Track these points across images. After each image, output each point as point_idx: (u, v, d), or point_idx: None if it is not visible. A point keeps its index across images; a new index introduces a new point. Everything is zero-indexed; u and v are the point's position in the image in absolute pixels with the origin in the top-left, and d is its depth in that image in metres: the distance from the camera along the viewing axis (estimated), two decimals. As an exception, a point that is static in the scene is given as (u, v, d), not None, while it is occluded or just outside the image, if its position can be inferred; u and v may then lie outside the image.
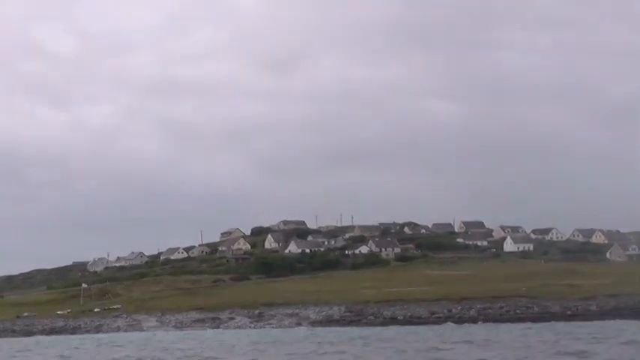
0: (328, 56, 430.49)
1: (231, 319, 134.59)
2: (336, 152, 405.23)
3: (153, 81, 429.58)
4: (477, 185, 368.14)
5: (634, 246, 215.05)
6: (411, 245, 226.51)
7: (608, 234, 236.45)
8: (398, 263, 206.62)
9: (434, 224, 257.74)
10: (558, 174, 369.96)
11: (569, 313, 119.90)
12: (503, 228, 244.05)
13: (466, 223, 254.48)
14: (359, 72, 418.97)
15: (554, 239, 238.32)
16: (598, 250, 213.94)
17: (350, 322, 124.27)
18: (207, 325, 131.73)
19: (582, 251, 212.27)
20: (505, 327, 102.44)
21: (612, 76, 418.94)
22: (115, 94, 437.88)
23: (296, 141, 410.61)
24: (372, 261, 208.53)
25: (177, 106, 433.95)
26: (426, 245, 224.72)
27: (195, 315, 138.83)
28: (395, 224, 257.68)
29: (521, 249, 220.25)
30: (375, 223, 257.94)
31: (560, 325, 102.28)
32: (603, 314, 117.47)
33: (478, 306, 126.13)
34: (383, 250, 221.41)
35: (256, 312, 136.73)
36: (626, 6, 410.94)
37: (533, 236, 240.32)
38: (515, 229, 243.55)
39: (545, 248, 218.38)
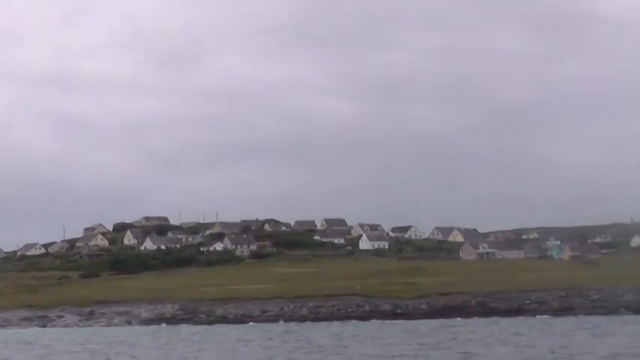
0: (222, 53, 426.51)
1: (60, 317, 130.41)
2: (227, 149, 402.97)
3: (44, 74, 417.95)
4: (353, 183, 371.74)
5: (485, 244, 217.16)
6: (268, 243, 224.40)
7: (465, 232, 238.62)
8: (252, 260, 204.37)
9: (296, 222, 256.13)
10: (440, 173, 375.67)
11: (399, 311, 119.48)
12: (361, 226, 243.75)
13: (328, 221, 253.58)
14: (252, 69, 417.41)
15: (413, 237, 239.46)
16: (452, 249, 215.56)
17: (181, 321, 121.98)
18: (34, 323, 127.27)
19: (437, 249, 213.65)
20: (324, 325, 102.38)
21: (500, 79, 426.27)
22: (5, 87, 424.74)
23: (187, 137, 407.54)
24: (226, 258, 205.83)
25: (68, 99, 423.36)
26: (283, 243, 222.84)
27: (23, 313, 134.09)
28: (257, 221, 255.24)
29: (376, 247, 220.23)
30: (238, 220, 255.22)
31: (386, 324, 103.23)
32: (432, 313, 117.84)
33: (311, 304, 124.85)
34: (238, 247, 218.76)
35: (87, 310, 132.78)
36: (516, 9, 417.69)
37: (392, 234, 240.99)
38: (373, 227, 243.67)
39: (400, 246, 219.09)
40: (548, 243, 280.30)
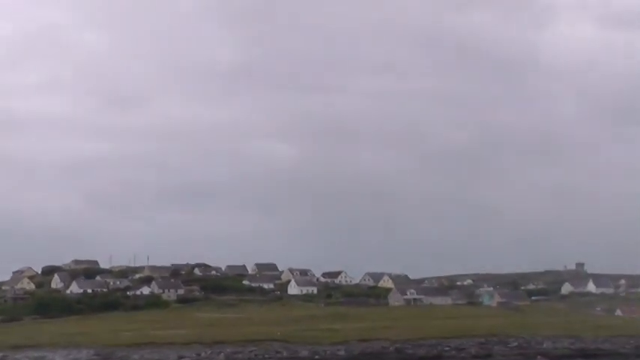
0: (163, 95, 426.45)
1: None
2: (166, 191, 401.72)
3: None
4: (288, 227, 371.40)
5: (412, 290, 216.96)
6: (196, 287, 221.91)
7: (396, 278, 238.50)
8: (178, 305, 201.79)
9: (227, 266, 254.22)
10: (377, 218, 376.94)
11: (316, 357, 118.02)
12: (291, 271, 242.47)
13: (259, 266, 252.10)
14: (192, 111, 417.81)
15: (343, 283, 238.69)
16: (381, 295, 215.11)
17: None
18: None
19: (366, 295, 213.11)
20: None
21: (440, 123, 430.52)
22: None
23: (126, 178, 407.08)
24: (153, 302, 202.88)
25: (6, 137, 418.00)
26: (211, 287, 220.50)
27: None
28: (187, 265, 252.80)
29: (304, 292, 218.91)
30: (168, 264, 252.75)
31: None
32: (350, 359, 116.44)
33: (228, 350, 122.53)
34: (165, 291, 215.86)
35: (0, 355, 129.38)
36: (457, 55, 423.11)
37: (322, 279, 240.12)
38: (303, 272, 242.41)
39: (329, 292, 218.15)
40: (480, 290, 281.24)
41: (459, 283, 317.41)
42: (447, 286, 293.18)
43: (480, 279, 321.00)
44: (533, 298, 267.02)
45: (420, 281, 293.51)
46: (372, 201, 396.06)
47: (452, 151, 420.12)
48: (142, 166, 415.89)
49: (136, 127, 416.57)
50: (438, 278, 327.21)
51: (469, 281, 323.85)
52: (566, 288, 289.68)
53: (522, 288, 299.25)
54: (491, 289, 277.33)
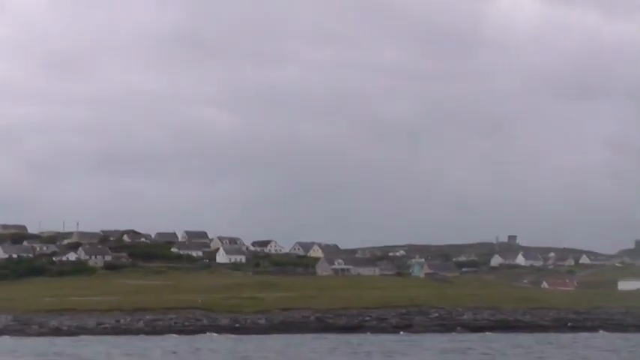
0: (109, 61, 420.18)
1: None
2: (106, 158, 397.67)
3: None
4: (225, 196, 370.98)
5: (340, 260, 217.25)
6: (124, 254, 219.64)
7: (326, 248, 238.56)
8: (105, 272, 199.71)
9: (157, 233, 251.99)
10: (316, 189, 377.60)
11: (237, 325, 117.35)
12: (221, 239, 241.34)
13: (189, 233, 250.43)
14: (138, 78, 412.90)
15: (273, 252, 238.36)
16: (310, 264, 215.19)
17: (12, 332, 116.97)
18: None
19: (294, 265, 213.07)
20: (157, 339, 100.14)
21: (384, 95, 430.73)
22: None
23: (67, 144, 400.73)
24: (79, 269, 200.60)
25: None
26: (139, 254, 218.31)
27: None
28: (117, 232, 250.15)
29: (233, 260, 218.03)
30: (98, 231, 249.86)
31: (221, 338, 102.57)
32: (269, 328, 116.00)
33: (148, 317, 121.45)
34: (92, 257, 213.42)
35: None
36: (404, 28, 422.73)
37: (252, 248, 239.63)
38: (233, 241, 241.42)
39: (258, 260, 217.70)
40: (412, 261, 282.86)
41: (391, 254, 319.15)
42: (378, 256, 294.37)
43: (413, 250, 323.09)
44: (463, 269, 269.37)
45: (353, 251, 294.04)
46: (307, 171, 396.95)
47: (390, 121, 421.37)
48: (75, 132, 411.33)
49: (68, 92, 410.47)
50: (371, 249, 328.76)
51: (401, 252, 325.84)
52: (496, 260, 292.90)
53: (454, 260, 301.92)
54: (422, 260, 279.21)
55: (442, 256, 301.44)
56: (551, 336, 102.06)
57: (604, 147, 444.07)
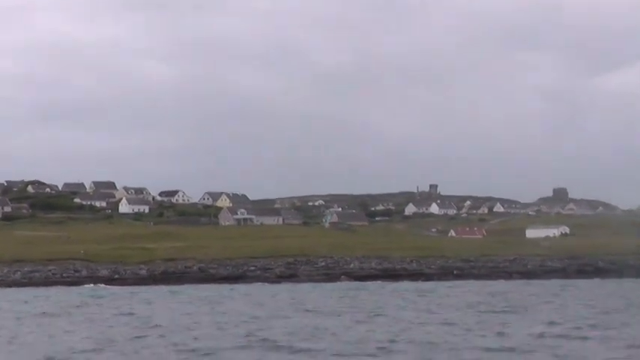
0: (46, 11, 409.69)
1: None
2: (45, 108, 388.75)
3: None
4: (149, 147, 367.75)
5: (243, 210, 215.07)
6: (25, 205, 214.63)
7: (234, 198, 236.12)
8: (2, 223, 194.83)
9: (64, 184, 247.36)
10: (245, 138, 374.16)
11: (116, 277, 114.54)
12: (126, 189, 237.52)
13: (96, 184, 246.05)
14: (76, 28, 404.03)
15: (180, 202, 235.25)
16: (214, 214, 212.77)
17: None
18: None
19: (200, 214, 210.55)
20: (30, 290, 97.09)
21: (323, 45, 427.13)
22: None
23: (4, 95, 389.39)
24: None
25: None
26: (41, 205, 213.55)
27: None
28: (21, 182, 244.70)
29: (136, 210, 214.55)
30: (2, 181, 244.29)
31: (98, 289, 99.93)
32: (150, 279, 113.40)
33: (26, 269, 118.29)
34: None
35: None
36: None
37: (159, 198, 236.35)
38: (139, 191, 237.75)
39: (162, 210, 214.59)
40: (328, 210, 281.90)
41: (310, 204, 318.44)
42: (297, 206, 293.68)
43: (334, 200, 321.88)
44: (377, 218, 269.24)
45: (272, 201, 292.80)
46: (238, 121, 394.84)
47: (327, 72, 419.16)
48: (19, 83, 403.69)
49: (17, 42, 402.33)
50: (291, 199, 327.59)
51: (320, 202, 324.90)
52: (410, 209, 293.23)
53: (372, 209, 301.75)
54: (340, 209, 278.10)
55: (360, 205, 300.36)
56: (427, 284, 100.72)
57: (537, 98, 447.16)
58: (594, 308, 58.43)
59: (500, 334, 41.44)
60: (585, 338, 39.16)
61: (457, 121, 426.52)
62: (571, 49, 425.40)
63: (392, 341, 38.55)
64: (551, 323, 46.70)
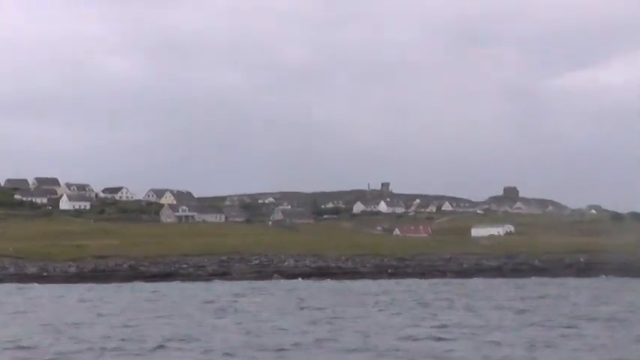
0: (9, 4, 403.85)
1: None
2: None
3: None
4: (92, 143, 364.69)
5: (184, 207, 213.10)
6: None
7: (178, 195, 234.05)
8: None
9: (7, 180, 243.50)
10: (203, 135, 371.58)
11: (44, 274, 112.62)
12: (69, 186, 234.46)
13: (39, 180, 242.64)
14: (39, 24, 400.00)
15: (124, 198, 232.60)
16: (156, 211, 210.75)
17: None
18: None
19: (142, 211, 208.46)
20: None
21: (284, 41, 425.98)
22: None
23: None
24: None
25: None
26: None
27: None
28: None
29: (77, 207, 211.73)
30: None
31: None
32: (79, 277, 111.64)
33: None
34: None
35: None
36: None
37: (102, 195, 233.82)
38: (81, 187, 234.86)
39: (104, 207, 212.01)
40: (277, 208, 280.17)
41: (260, 202, 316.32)
42: (247, 203, 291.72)
43: (285, 198, 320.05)
44: (325, 216, 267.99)
45: (222, 199, 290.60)
46: (192, 117, 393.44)
47: (285, 68, 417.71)
48: None
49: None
50: (241, 196, 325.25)
51: (270, 199, 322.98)
52: (358, 207, 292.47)
53: (323, 206, 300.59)
54: (289, 207, 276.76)
55: (311, 203, 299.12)
56: (356, 283, 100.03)
57: (492, 97, 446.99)
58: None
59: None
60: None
61: (411, 119, 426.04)
62: (528, 48, 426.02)
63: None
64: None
